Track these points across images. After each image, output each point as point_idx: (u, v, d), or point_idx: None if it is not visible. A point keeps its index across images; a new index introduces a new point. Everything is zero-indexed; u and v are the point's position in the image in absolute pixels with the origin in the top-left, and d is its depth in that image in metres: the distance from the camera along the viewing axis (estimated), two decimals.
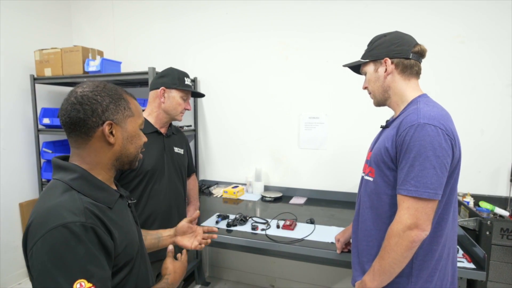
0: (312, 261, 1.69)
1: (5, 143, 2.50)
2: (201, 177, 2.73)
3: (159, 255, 1.46)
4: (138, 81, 2.54)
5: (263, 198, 2.30)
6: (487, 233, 1.54)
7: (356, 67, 1.18)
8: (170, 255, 0.98)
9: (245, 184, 2.51)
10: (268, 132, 2.50)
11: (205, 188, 2.50)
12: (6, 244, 2.50)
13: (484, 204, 1.86)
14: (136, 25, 2.78)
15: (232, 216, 1.83)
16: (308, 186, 2.42)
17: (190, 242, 1.17)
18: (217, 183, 2.63)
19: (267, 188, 2.47)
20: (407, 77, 1.05)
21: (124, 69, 2.62)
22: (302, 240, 1.55)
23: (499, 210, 1.79)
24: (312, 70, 2.33)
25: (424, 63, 1.09)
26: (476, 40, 1.97)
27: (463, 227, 1.59)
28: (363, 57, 1.12)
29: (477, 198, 1.94)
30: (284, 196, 2.36)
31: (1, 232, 2.48)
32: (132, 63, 2.74)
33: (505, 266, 1.56)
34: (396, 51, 1.03)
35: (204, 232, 1.23)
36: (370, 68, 1.09)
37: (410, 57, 1.03)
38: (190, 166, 1.76)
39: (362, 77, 1.17)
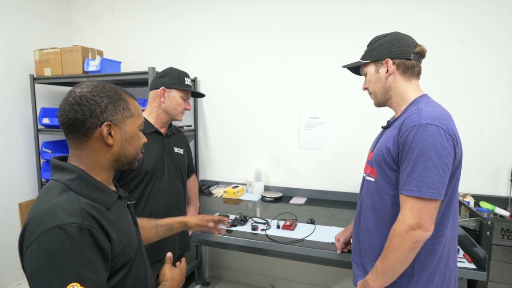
0: (312, 261, 1.69)
1: (4, 143, 2.49)
2: (201, 177, 2.73)
3: (159, 255, 1.47)
4: (138, 81, 2.53)
5: (263, 198, 2.30)
6: (488, 233, 1.54)
7: (355, 68, 1.17)
8: (169, 262, 0.96)
9: (245, 184, 2.51)
10: (268, 132, 2.50)
11: (205, 188, 2.50)
12: (5, 244, 2.50)
13: (484, 204, 1.86)
14: (136, 25, 2.78)
15: (232, 216, 1.83)
16: (308, 186, 2.41)
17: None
18: (217, 183, 2.63)
19: (267, 188, 2.47)
20: (408, 78, 1.05)
21: (124, 69, 2.62)
22: (302, 240, 1.55)
23: (499, 210, 1.79)
24: (312, 70, 2.33)
25: (424, 63, 1.09)
26: (476, 40, 1.97)
27: (463, 227, 1.59)
28: (363, 58, 1.12)
29: (478, 198, 1.94)
30: (284, 196, 2.35)
31: (1, 232, 2.48)
32: (132, 63, 2.73)
33: (506, 266, 1.56)
34: (397, 52, 1.03)
35: (214, 222, 1.28)
36: (370, 69, 1.09)
37: (411, 57, 1.03)
38: (190, 166, 1.76)
39: (362, 77, 1.17)
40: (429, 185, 0.88)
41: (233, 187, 2.39)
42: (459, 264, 1.25)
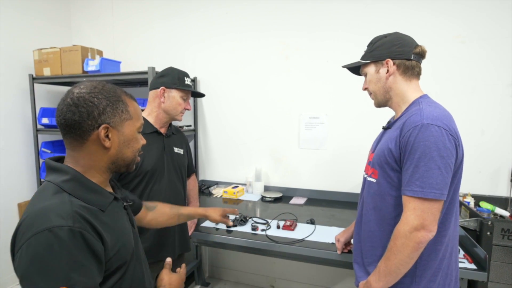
0: (312, 261, 1.69)
1: (3, 143, 2.49)
2: (201, 177, 2.72)
3: (159, 255, 1.46)
4: (138, 81, 2.53)
5: (263, 198, 2.29)
6: (488, 233, 1.54)
7: (355, 68, 1.17)
8: (167, 267, 0.95)
9: (245, 184, 2.51)
10: (268, 132, 2.49)
11: (205, 188, 2.50)
12: (5, 244, 2.49)
13: (484, 205, 1.86)
14: (135, 24, 2.77)
15: (232, 217, 1.83)
16: (308, 186, 2.41)
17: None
18: (217, 183, 2.62)
19: (267, 188, 2.46)
20: (409, 78, 1.05)
21: (123, 68, 2.61)
22: (302, 240, 1.55)
23: (499, 211, 1.79)
24: (312, 70, 2.32)
25: (425, 63, 1.09)
26: (476, 40, 1.97)
27: (463, 228, 1.58)
28: (363, 58, 1.12)
29: (478, 199, 1.94)
30: (284, 196, 2.35)
31: (0, 232, 2.47)
32: (132, 62, 2.73)
33: (506, 266, 1.55)
34: (397, 52, 1.03)
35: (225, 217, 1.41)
36: (371, 69, 1.09)
37: (412, 58, 1.03)
38: (190, 166, 1.76)
39: (362, 77, 1.16)
40: (432, 185, 0.88)
41: (233, 187, 2.39)
42: (459, 265, 1.25)
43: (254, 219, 1.82)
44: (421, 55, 1.05)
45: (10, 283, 2.56)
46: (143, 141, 0.85)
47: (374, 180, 1.06)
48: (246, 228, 1.70)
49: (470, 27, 1.97)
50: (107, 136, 0.74)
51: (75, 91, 0.74)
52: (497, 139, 1.98)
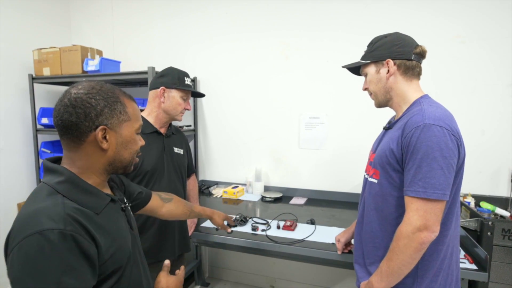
0: (312, 261, 1.69)
1: (3, 143, 2.48)
2: (201, 177, 2.72)
3: (159, 256, 1.46)
4: (138, 81, 2.52)
5: (263, 199, 2.29)
6: (489, 233, 1.53)
7: (355, 69, 1.17)
8: (165, 269, 0.92)
9: (245, 185, 2.50)
10: (268, 132, 2.49)
11: (204, 188, 2.49)
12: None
13: (485, 205, 1.85)
14: (135, 24, 2.77)
15: (232, 217, 1.82)
16: (309, 187, 2.41)
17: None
18: (216, 184, 2.62)
19: (267, 188, 2.46)
20: (409, 78, 1.05)
21: (123, 68, 2.61)
22: (302, 241, 1.55)
23: (500, 211, 1.79)
24: (312, 70, 2.32)
25: (425, 64, 1.09)
26: (476, 40, 1.97)
27: (464, 228, 1.58)
28: (363, 58, 1.11)
29: (478, 199, 1.94)
30: (284, 197, 2.35)
31: (0, 233, 2.47)
32: (132, 62, 2.72)
33: (507, 267, 1.55)
34: (398, 52, 1.03)
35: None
36: (371, 69, 1.09)
37: (412, 58, 1.03)
38: (190, 166, 1.75)
39: (363, 77, 1.16)
40: (435, 185, 0.88)
41: (233, 187, 2.39)
42: (460, 265, 1.25)
43: (254, 219, 1.82)
44: (422, 55, 1.05)
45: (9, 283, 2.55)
46: (142, 142, 0.84)
47: (375, 181, 1.05)
48: (246, 228, 1.69)
49: (470, 27, 1.97)
50: (104, 137, 0.73)
51: (73, 91, 0.73)
52: (498, 139, 1.98)
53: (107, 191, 0.82)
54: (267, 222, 1.77)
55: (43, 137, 2.72)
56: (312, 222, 1.76)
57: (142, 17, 2.74)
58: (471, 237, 1.47)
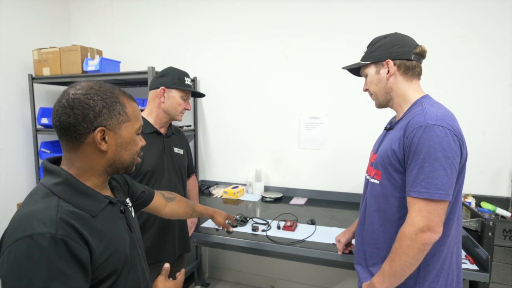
0: (312, 262, 1.68)
1: (3, 143, 2.48)
2: (201, 178, 2.72)
3: (159, 256, 1.46)
4: (138, 81, 2.52)
5: (263, 199, 2.29)
6: (490, 234, 1.53)
7: (355, 70, 1.17)
8: (164, 273, 0.90)
9: (245, 185, 2.50)
10: (268, 132, 2.49)
11: (204, 188, 2.49)
12: None
13: (485, 205, 1.85)
14: (135, 24, 2.76)
15: (233, 217, 1.81)
16: (309, 187, 2.41)
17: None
18: (217, 184, 2.62)
19: (267, 189, 2.46)
20: (409, 78, 1.05)
21: (123, 68, 2.60)
22: (303, 241, 1.54)
23: (500, 211, 1.79)
24: (312, 70, 2.32)
25: (425, 64, 1.08)
26: (477, 40, 1.96)
27: (465, 228, 1.58)
28: (363, 59, 1.11)
29: (479, 199, 1.94)
30: (284, 197, 2.34)
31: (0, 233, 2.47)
32: (132, 62, 2.72)
33: (508, 267, 1.55)
34: (397, 53, 1.03)
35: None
36: (371, 70, 1.08)
37: (412, 58, 1.02)
38: (190, 166, 1.75)
39: (363, 78, 1.16)
40: (438, 186, 0.87)
41: (233, 188, 2.38)
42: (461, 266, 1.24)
43: (254, 219, 1.81)
44: (422, 55, 1.04)
45: None
46: (142, 142, 0.82)
47: (377, 182, 1.05)
48: (247, 229, 1.69)
49: (471, 27, 1.96)
50: (103, 139, 0.72)
51: (71, 92, 0.71)
52: (498, 139, 1.97)
53: (107, 192, 0.81)
54: (267, 222, 1.77)
55: (43, 137, 2.72)
56: (312, 223, 1.76)
57: (142, 17, 2.73)
58: (472, 237, 1.47)
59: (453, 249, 1.01)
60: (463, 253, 1.39)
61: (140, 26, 2.75)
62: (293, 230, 1.66)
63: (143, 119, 1.38)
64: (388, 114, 1.18)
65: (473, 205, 1.90)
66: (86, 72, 2.38)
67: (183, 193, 1.62)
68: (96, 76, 2.31)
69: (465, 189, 1.97)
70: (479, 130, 2.00)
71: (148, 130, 1.44)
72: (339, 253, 1.40)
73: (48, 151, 2.63)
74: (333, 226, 1.73)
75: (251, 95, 2.50)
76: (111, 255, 0.71)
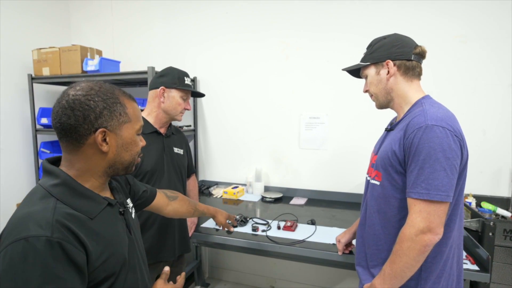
0: (313, 262, 1.68)
1: (2, 143, 2.48)
2: (201, 178, 2.71)
3: (158, 256, 1.45)
4: (138, 81, 2.52)
5: (263, 199, 2.28)
6: (490, 234, 1.53)
7: (355, 71, 1.17)
8: (164, 277, 0.89)
9: (245, 185, 2.49)
10: (268, 132, 2.48)
11: (204, 188, 2.49)
12: None
13: (486, 205, 1.85)
14: (135, 24, 2.76)
15: (234, 216, 1.81)
16: (309, 187, 2.40)
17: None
18: (216, 184, 2.61)
19: (267, 189, 2.45)
20: (410, 79, 1.04)
21: (123, 68, 2.60)
22: (303, 241, 1.54)
23: (501, 211, 1.78)
24: (312, 70, 2.31)
25: (425, 64, 1.08)
26: (477, 40, 1.96)
27: (465, 228, 1.57)
28: (363, 60, 1.11)
29: (479, 199, 1.93)
30: (284, 197, 2.34)
31: None
32: (131, 62, 2.72)
33: (508, 267, 1.54)
34: (397, 53, 1.03)
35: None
36: (371, 71, 1.08)
37: (412, 58, 1.02)
38: (190, 166, 1.74)
39: (362, 78, 1.15)
40: (438, 187, 0.87)
41: (233, 188, 2.38)
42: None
43: (254, 219, 1.81)
44: (421, 55, 1.04)
45: None
46: (142, 142, 0.82)
47: (377, 183, 1.04)
48: (247, 229, 1.69)
49: (471, 27, 1.96)
50: (104, 140, 0.72)
51: (71, 92, 0.71)
52: (498, 139, 1.97)
53: (107, 194, 0.81)
54: (268, 222, 1.77)
55: (42, 137, 2.71)
56: (312, 223, 1.76)
57: (142, 17, 2.73)
58: (473, 237, 1.47)
59: (455, 251, 1.00)
60: (464, 254, 1.39)
61: (140, 26, 2.75)
62: (293, 230, 1.66)
63: (143, 119, 1.38)
64: (388, 114, 1.18)
65: (473, 205, 1.90)
66: (86, 72, 2.37)
67: (183, 193, 1.61)
68: (96, 76, 2.31)
69: (466, 189, 1.95)
70: (479, 130, 2.00)
71: (148, 130, 1.44)
72: (339, 253, 1.40)
73: (48, 151, 2.63)
74: (333, 226, 1.73)
75: (251, 95, 2.49)
76: (109, 258, 0.71)
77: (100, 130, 0.70)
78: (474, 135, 2.00)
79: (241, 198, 2.31)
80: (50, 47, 2.45)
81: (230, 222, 1.63)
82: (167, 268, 0.92)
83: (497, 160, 1.98)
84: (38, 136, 2.61)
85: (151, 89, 1.50)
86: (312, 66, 2.31)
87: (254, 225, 1.70)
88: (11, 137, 2.54)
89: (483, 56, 1.96)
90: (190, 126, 2.59)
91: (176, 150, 1.57)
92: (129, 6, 2.76)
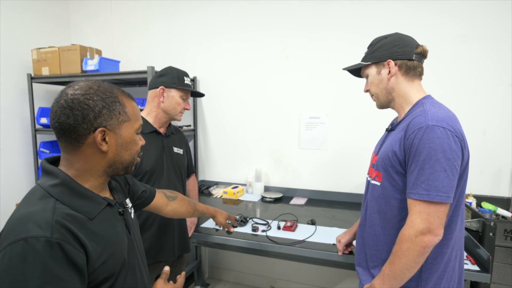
0: (313, 262, 1.68)
1: (2, 143, 2.47)
2: (201, 178, 2.71)
3: (158, 256, 1.45)
4: (137, 80, 2.51)
5: (263, 199, 2.28)
6: (491, 234, 1.52)
7: (356, 70, 1.16)
8: (164, 277, 0.89)
9: (245, 185, 2.49)
10: (268, 132, 2.48)
11: (204, 188, 2.48)
12: None
13: (486, 205, 1.84)
14: (135, 23, 2.75)
15: (234, 217, 1.81)
16: (309, 187, 2.40)
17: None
18: (216, 184, 2.61)
19: (267, 189, 2.45)
20: (411, 79, 1.04)
21: (122, 68, 2.59)
22: (303, 241, 1.53)
23: (501, 211, 1.78)
24: (312, 69, 2.31)
25: (426, 64, 1.07)
26: (477, 40, 1.96)
27: (466, 228, 1.57)
28: (364, 60, 1.10)
29: (479, 199, 1.93)
30: (284, 197, 2.34)
31: None
32: (131, 62, 2.71)
33: (509, 267, 1.54)
34: (398, 53, 1.02)
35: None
36: (372, 70, 1.08)
37: (413, 58, 1.02)
38: (190, 166, 1.74)
39: (364, 78, 1.15)
40: (438, 188, 0.86)
41: (233, 188, 2.37)
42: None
43: (254, 219, 1.81)
44: (423, 55, 1.03)
45: None
46: (142, 142, 0.82)
47: (378, 183, 1.04)
48: (247, 229, 1.68)
49: (471, 27, 1.96)
50: (103, 139, 0.71)
51: (69, 92, 0.70)
52: (499, 139, 1.97)
53: (106, 194, 0.80)
54: (268, 222, 1.76)
55: (42, 137, 2.71)
56: (312, 223, 1.75)
57: (142, 16, 2.72)
58: (473, 237, 1.46)
59: (457, 252, 1.00)
60: (464, 254, 1.39)
61: (139, 26, 2.74)
62: (293, 231, 1.66)
63: (142, 118, 1.37)
64: (388, 114, 1.18)
65: (473, 205, 1.90)
66: (86, 71, 2.37)
67: (183, 193, 1.61)
68: (96, 75, 2.30)
69: (466, 190, 1.97)
70: (479, 130, 2.00)
71: (147, 130, 1.43)
72: (340, 253, 1.39)
73: (47, 151, 2.63)
74: (334, 227, 1.72)
75: (251, 95, 2.49)
76: (109, 258, 0.70)
77: (99, 129, 0.70)
78: (475, 135, 1.99)
79: (241, 198, 2.30)
80: (50, 47, 2.45)
81: (230, 222, 1.63)
82: (167, 268, 0.91)
83: (498, 160, 1.98)
84: (38, 136, 2.60)
85: (150, 88, 1.50)
86: (312, 66, 2.30)
87: (254, 225, 1.70)
88: (10, 137, 2.53)
89: (484, 56, 1.95)
90: (190, 126, 2.59)
91: (175, 150, 1.56)
92: (129, 6, 2.75)
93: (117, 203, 0.82)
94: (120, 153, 0.75)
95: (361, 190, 2.11)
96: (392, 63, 1.02)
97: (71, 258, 0.62)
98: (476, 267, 1.29)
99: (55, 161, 0.77)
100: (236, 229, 1.67)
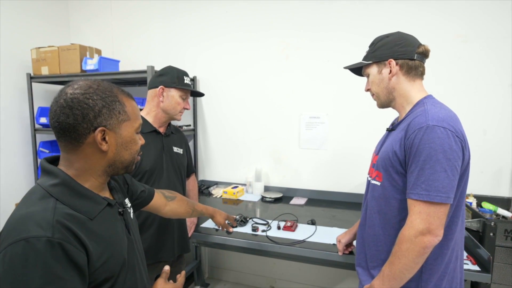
0: (313, 262, 1.67)
1: (1, 143, 2.47)
2: (200, 177, 2.70)
3: (158, 256, 1.45)
4: (137, 80, 2.51)
5: (263, 199, 2.28)
6: (491, 234, 1.52)
7: (357, 69, 1.15)
8: (164, 276, 0.88)
9: (245, 185, 2.49)
10: (268, 132, 2.47)
11: (204, 188, 2.48)
12: None
13: (486, 205, 1.84)
14: (134, 23, 2.75)
15: (233, 217, 1.80)
16: (309, 187, 2.40)
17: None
18: (216, 184, 2.60)
19: (267, 189, 2.45)
20: (412, 78, 1.03)
21: (122, 67, 2.59)
22: (303, 241, 1.53)
23: (501, 211, 1.78)
24: (312, 69, 2.31)
25: (426, 63, 1.07)
26: (478, 39, 1.95)
27: (466, 229, 1.57)
28: (365, 59, 1.10)
29: (480, 199, 1.93)
30: (284, 197, 2.33)
31: None
32: (131, 61, 2.71)
33: (509, 267, 1.54)
34: (400, 52, 1.01)
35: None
36: (373, 69, 1.07)
37: (415, 57, 1.01)
38: (190, 166, 1.73)
39: (365, 77, 1.14)
40: (438, 188, 0.86)
41: (232, 188, 2.37)
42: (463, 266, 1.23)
43: (254, 219, 1.80)
44: (425, 54, 1.03)
45: None
46: (142, 141, 0.81)
47: (378, 183, 1.03)
48: (246, 229, 1.68)
49: (471, 27, 1.95)
50: (103, 139, 0.71)
51: (69, 91, 0.69)
52: (499, 139, 1.96)
53: (106, 193, 0.80)
54: (267, 222, 1.76)
55: (41, 137, 2.70)
56: (312, 223, 1.75)
57: (141, 16, 2.72)
58: (473, 238, 1.46)
59: (458, 253, 0.99)
60: (465, 254, 1.38)
61: (139, 26, 2.74)
62: (293, 231, 1.65)
63: (142, 118, 1.37)
64: (389, 114, 1.18)
65: (474, 205, 1.90)
66: (85, 71, 2.36)
67: (183, 192, 1.61)
68: (95, 75, 2.30)
69: (466, 190, 1.97)
70: (479, 130, 1.99)
71: (147, 129, 1.43)
72: (340, 253, 1.39)
73: (47, 151, 2.62)
74: (334, 227, 1.72)
75: (251, 94, 2.48)
76: (109, 259, 0.70)
77: (99, 129, 0.70)
78: (475, 135, 1.99)
79: (241, 198, 2.30)
80: (49, 46, 2.44)
81: (229, 222, 1.62)
82: (167, 267, 0.91)
83: (498, 160, 1.98)
84: (37, 135, 2.60)
85: (150, 88, 1.49)
86: (312, 66, 2.30)
87: (254, 225, 1.70)
88: (9, 137, 2.53)
89: (484, 56, 1.95)
90: (189, 125, 2.58)
91: (175, 149, 1.56)
92: (129, 5, 2.75)
93: (117, 203, 0.81)
94: (120, 152, 0.75)
95: (361, 190, 2.11)
96: (393, 62, 1.02)
97: (73, 258, 0.62)
98: (476, 267, 1.29)
99: (54, 161, 0.76)
100: (236, 229, 1.67)
